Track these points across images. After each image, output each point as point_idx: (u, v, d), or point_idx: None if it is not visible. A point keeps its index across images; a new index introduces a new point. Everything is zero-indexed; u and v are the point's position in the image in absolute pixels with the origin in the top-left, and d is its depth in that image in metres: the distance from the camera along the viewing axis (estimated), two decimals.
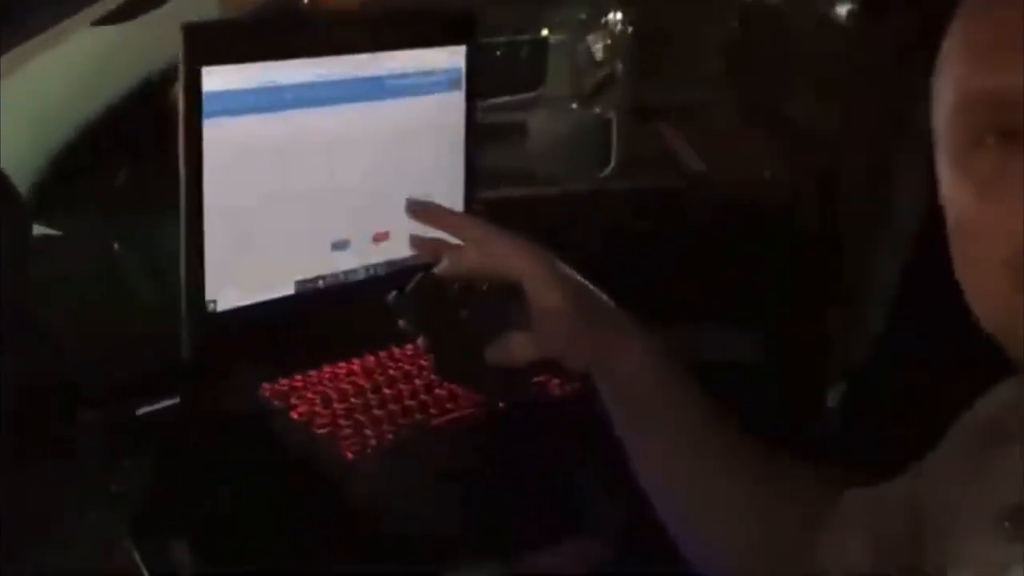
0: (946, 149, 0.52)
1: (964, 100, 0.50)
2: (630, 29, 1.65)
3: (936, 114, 0.53)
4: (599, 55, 1.59)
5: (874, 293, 1.10)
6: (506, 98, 1.37)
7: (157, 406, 0.72)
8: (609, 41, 1.60)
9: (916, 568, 0.59)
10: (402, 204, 0.73)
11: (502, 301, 0.69)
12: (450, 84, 0.86)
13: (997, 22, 0.51)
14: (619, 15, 1.58)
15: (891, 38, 1.08)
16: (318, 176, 0.80)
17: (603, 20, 1.60)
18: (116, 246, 0.89)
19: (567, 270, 0.71)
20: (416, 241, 0.72)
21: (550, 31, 1.56)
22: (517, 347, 0.69)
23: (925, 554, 0.59)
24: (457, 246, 0.70)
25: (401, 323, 0.69)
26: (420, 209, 0.73)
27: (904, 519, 0.62)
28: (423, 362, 0.81)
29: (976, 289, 0.51)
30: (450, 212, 0.75)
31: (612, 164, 1.52)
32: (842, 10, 1.47)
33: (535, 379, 0.80)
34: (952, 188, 0.51)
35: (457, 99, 0.87)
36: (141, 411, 0.72)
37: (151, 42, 0.81)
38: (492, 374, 0.69)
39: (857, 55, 1.25)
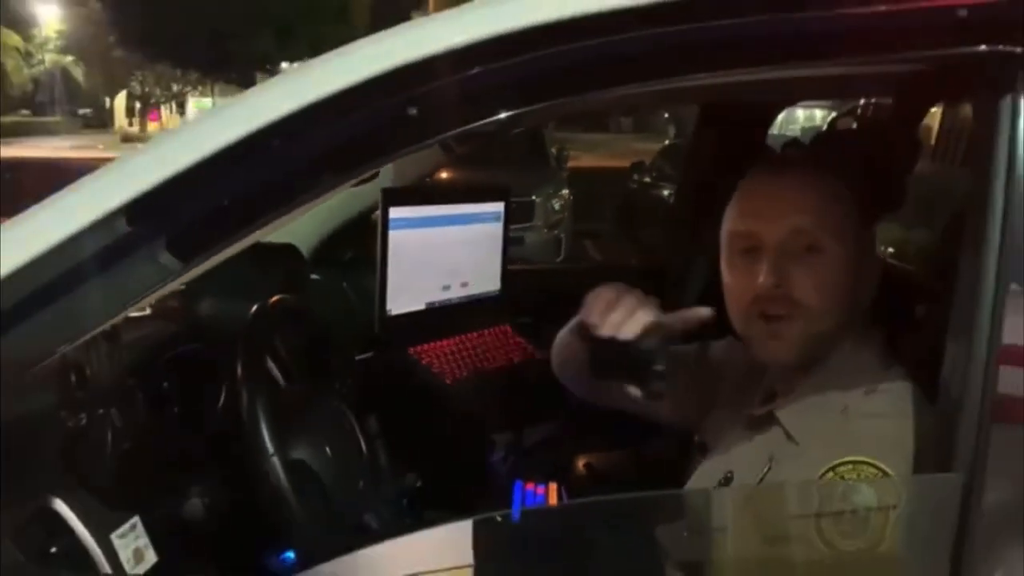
0: (724, 252, 1.13)
1: (730, 231, 1.12)
2: (571, 197, 6.06)
3: (720, 234, 1.14)
4: (556, 207, 5.69)
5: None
6: (517, 226, 3.18)
7: (367, 355, 1.62)
8: (561, 202, 5.79)
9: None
10: (474, 268, 1.61)
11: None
12: (496, 218, 1.75)
13: (751, 192, 1.15)
14: (565, 191, 5.92)
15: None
16: (436, 255, 1.69)
17: (559, 192, 5.78)
18: (344, 284, 1.81)
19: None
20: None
21: (535, 196, 5.35)
22: None
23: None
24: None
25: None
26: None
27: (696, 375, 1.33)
28: (487, 340, 1.69)
29: (734, 317, 1.11)
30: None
31: (562, 255, 5.17)
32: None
33: None
34: (726, 270, 1.11)
35: (498, 226, 1.76)
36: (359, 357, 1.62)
37: (371, 192, 1.72)
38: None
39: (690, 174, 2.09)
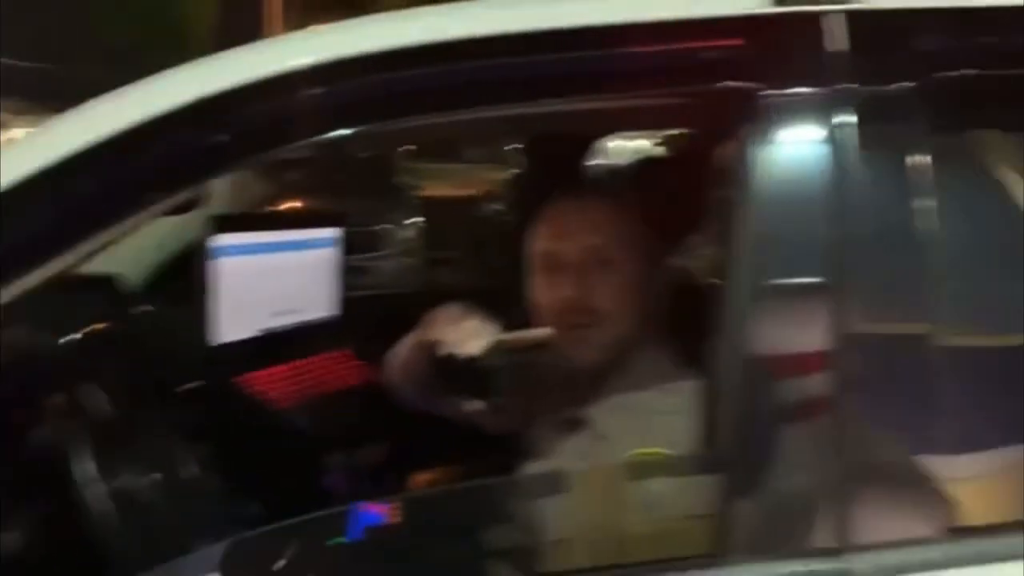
0: (533, 272, 1.27)
1: (535, 252, 1.27)
2: (424, 225, 6.27)
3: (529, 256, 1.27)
4: (408, 236, 6.07)
5: None
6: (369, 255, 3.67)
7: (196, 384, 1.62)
8: (412, 231, 6.17)
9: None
10: (309, 293, 1.65)
11: None
12: (331, 244, 1.79)
13: (552, 217, 1.26)
14: (418, 219, 6.25)
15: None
16: (268, 281, 1.71)
17: (410, 220, 6.22)
18: (175, 315, 1.81)
19: None
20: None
21: (386, 225, 5.92)
22: None
23: None
24: None
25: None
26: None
27: None
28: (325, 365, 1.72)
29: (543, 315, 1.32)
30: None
31: (414, 283, 5.03)
32: None
33: None
34: (535, 288, 1.24)
35: (334, 251, 1.80)
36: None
37: (195, 221, 1.73)
38: None
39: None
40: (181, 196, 0.90)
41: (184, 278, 1.86)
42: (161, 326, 1.71)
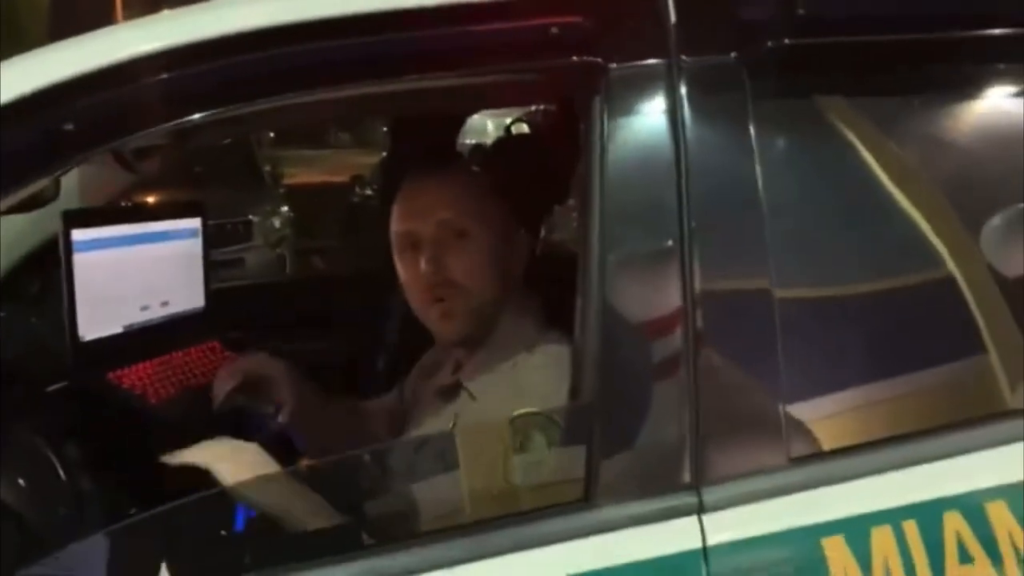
0: (395, 252, 1.32)
1: (394, 232, 1.30)
2: (291, 214, 6.28)
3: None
4: (277, 225, 5.91)
5: None
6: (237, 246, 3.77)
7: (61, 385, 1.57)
8: (280, 220, 6.09)
9: None
10: (174, 285, 1.62)
11: None
12: (193, 234, 1.76)
13: (405, 197, 1.30)
14: (285, 208, 6.16)
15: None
16: (130, 275, 1.67)
17: (278, 210, 6.12)
18: (33, 318, 1.74)
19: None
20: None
21: (252, 216, 5.78)
22: None
23: None
24: None
25: None
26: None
27: (399, 411, 1.50)
28: (193, 358, 1.70)
29: (415, 307, 1.31)
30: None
31: (286, 272, 5.42)
32: None
33: None
34: (399, 267, 1.29)
35: (196, 242, 1.78)
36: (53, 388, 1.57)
37: (46, 218, 1.66)
38: None
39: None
40: (28, 190, 0.88)
41: (40, 277, 1.79)
42: (21, 331, 1.64)
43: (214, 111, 0.89)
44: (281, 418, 1.40)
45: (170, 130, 0.88)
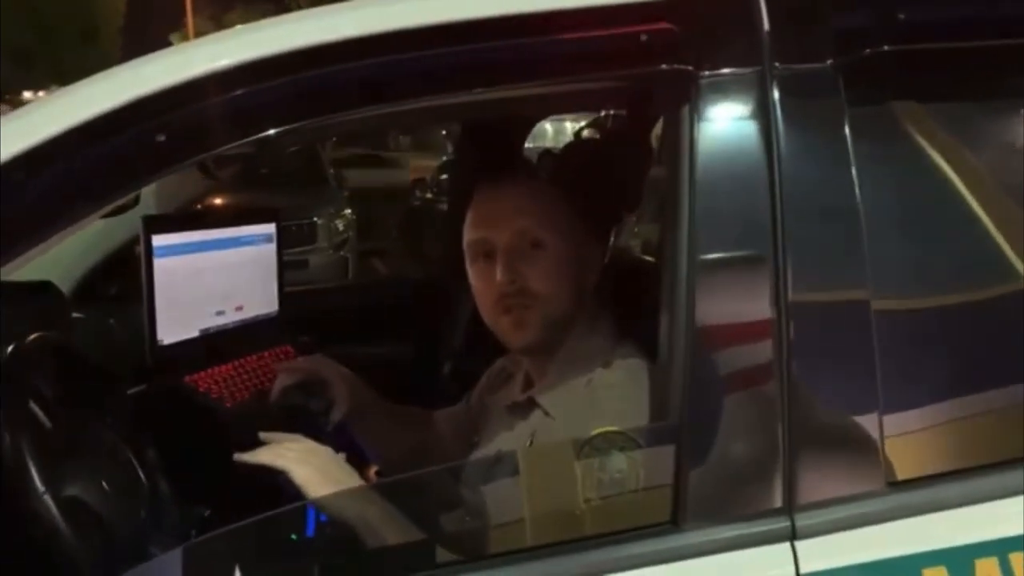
0: (468, 260, 1.27)
1: (468, 241, 1.27)
2: (354, 216, 6.49)
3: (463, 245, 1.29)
4: (340, 228, 5.89)
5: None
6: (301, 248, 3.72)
7: (140, 388, 1.59)
8: (344, 223, 6.04)
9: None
10: (248, 290, 1.63)
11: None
12: (267, 240, 1.78)
13: (481, 204, 1.27)
14: (348, 211, 6.19)
15: None
16: (207, 280, 1.69)
17: (341, 212, 6.15)
18: (112, 320, 1.77)
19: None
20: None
21: (317, 218, 5.67)
22: None
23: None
24: None
25: None
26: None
27: (466, 421, 1.48)
28: (267, 362, 1.71)
29: (486, 317, 1.27)
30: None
31: (349, 275, 5.20)
32: None
33: None
34: (471, 276, 1.26)
35: (271, 247, 1.79)
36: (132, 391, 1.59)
37: (128, 222, 1.69)
38: None
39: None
40: (123, 197, 0.89)
41: (118, 280, 1.83)
42: (101, 333, 1.68)
43: (307, 121, 0.89)
44: (332, 417, 1.39)
45: (258, 141, 0.87)
